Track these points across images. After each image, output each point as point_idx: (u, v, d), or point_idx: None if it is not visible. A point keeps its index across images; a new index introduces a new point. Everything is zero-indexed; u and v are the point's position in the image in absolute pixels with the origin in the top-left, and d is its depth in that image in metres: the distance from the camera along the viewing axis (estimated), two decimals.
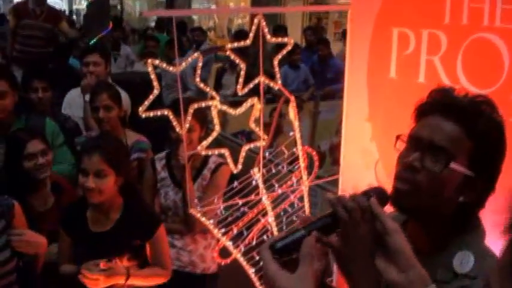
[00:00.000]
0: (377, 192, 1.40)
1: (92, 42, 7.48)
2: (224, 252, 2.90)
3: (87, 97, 4.31)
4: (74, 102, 4.68)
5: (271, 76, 2.76)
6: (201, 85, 2.55)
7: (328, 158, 6.73)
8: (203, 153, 2.66)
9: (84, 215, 2.97)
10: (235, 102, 2.85)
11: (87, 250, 2.85)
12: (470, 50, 2.19)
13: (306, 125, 7.19)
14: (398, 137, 1.59)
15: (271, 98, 6.25)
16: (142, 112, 2.38)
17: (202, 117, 3.28)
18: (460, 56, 2.21)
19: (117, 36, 8.56)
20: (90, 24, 8.66)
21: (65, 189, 3.36)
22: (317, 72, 8.59)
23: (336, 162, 3.00)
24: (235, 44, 2.63)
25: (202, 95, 4.92)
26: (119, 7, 20.57)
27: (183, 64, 2.48)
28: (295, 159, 2.90)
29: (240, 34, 8.78)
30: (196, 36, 9.81)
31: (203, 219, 2.82)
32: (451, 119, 1.49)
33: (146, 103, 2.36)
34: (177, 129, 2.66)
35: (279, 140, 4.31)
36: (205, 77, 8.88)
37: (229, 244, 2.80)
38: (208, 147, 2.73)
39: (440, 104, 1.54)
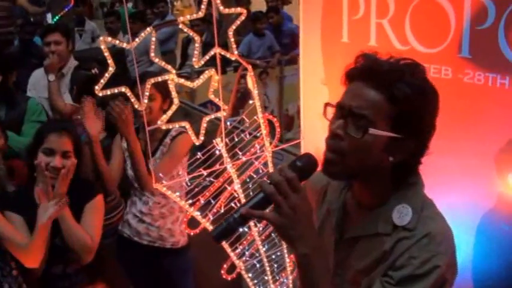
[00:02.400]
0: (304, 161, 1.46)
1: (54, 20, 7.37)
2: (193, 223, 2.94)
3: (52, 77, 4.32)
4: (38, 83, 4.62)
5: (237, 45, 2.76)
6: (156, 60, 2.56)
7: (296, 120, 6.81)
8: (164, 127, 2.68)
9: (33, 194, 2.83)
10: (202, 72, 2.83)
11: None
12: (417, 11, 2.22)
13: (273, 90, 7.26)
14: (326, 105, 1.61)
15: (237, 65, 6.23)
16: (99, 91, 2.38)
17: (165, 88, 3.25)
18: (407, 17, 2.25)
19: (80, 11, 8.41)
20: (52, 1, 8.53)
21: (16, 171, 3.28)
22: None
23: None
24: (188, 17, 2.64)
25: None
26: None
27: (137, 40, 2.48)
28: (258, 126, 2.93)
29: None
30: (161, 8, 9.69)
31: (169, 192, 2.85)
32: (372, 85, 1.52)
33: (102, 81, 2.35)
34: (136, 106, 2.67)
35: (246, 108, 4.33)
36: (172, 47, 8.82)
37: (197, 214, 2.84)
38: (172, 119, 2.75)
39: (362, 70, 1.57)
